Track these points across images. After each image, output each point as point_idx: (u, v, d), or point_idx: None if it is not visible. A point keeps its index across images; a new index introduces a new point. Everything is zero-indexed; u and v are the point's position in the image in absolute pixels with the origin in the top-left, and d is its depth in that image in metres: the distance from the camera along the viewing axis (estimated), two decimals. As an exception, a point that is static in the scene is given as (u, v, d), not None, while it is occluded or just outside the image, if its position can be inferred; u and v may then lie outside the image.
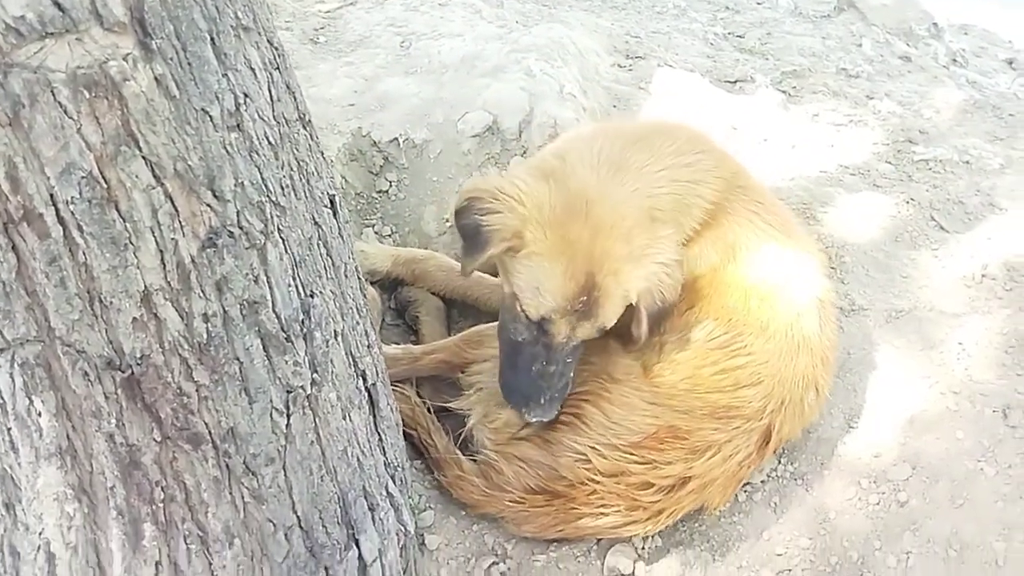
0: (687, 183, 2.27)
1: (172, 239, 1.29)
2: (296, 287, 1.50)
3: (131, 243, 1.25)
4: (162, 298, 1.31)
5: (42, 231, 1.20)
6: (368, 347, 1.82)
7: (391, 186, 3.04)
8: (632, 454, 2.16)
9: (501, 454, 2.26)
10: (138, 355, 1.33)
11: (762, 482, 2.38)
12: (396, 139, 3.03)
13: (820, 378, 2.30)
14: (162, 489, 1.45)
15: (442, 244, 2.97)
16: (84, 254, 1.24)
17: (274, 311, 1.46)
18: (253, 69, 1.39)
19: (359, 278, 1.85)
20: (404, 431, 2.17)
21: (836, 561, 2.19)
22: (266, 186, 1.41)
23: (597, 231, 2.05)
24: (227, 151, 1.32)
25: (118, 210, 1.23)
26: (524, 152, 3.02)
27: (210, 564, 1.53)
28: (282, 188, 1.46)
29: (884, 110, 3.84)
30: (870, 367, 2.59)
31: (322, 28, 3.71)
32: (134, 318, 1.30)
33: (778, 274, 2.29)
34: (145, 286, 1.29)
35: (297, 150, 1.54)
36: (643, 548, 2.27)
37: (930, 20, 4.96)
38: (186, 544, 1.50)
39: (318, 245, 1.60)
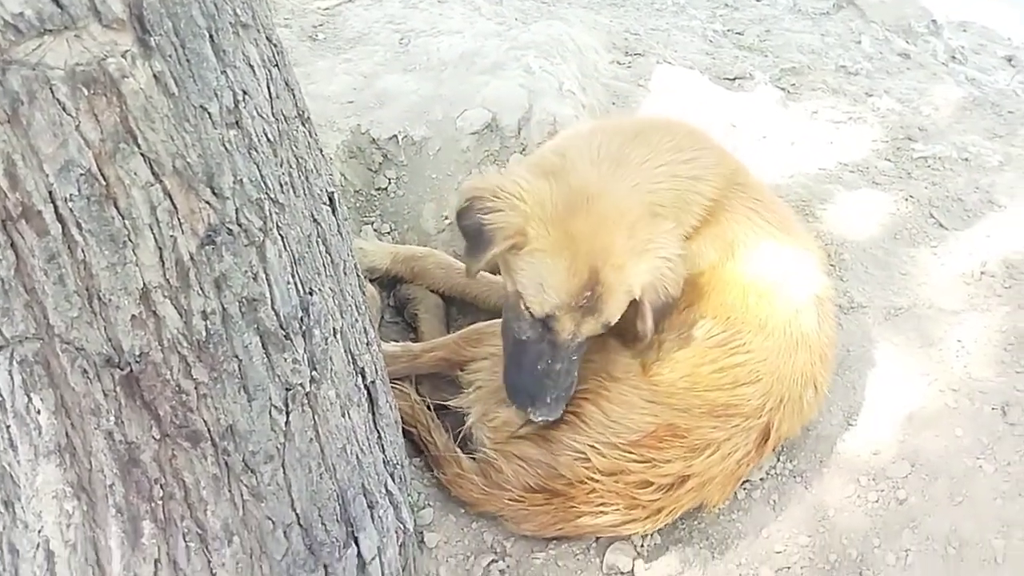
0: (687, 179, 2.27)
1: (171, 236, 1.28)
2: (295, 284, 1.50)
3: (130, 240, 1.25)
4: (161, 295, 1.31)
5: (41, 228, 1.20)
6: (367, 345, 1.82)
7: (390, 183, 3.04)
8: (631, 452, 2.16)
9: (500, 452, 2.26)
10: (137, 353, 1.32)
11: (761, 480, 2.38)
12: (395, 136, 3.03)
13: (819, 375, 2.30)
14: (161, 487, 1.45)
15: (441, 241, 2.97)
16: (83, 251, 1.23)
17: (273, 308, 1.45)
18: (252, 66, 1.39)
19: (358, 275, 1.85)
20: (403, 429, 2.16)
21: (835, 559, 2.19)
22: (265, 183, 1.41)
23: (599, 226, 2.05)
24: (226, 148, 1.32)
25: (117, 207, 1.23)
26: (523, 149, 3.01)
27: (209, 562, 1.53)
28: (281, 185, 1.46)
29: (883, 107, 3.83)
30: (869, 364, 2.59)
31: (321, 25, 3.71)
32: (133, 315, 1.30)
33: (777, 271, 2.29)
34: (144, 283, 1.29)
35: (296, 147, 1.53)
36: (642, 546, 2.27)
37: (929, 17, 4.96)
38: (185, 542, 1.50)
39: (317, 242, 1.60)
